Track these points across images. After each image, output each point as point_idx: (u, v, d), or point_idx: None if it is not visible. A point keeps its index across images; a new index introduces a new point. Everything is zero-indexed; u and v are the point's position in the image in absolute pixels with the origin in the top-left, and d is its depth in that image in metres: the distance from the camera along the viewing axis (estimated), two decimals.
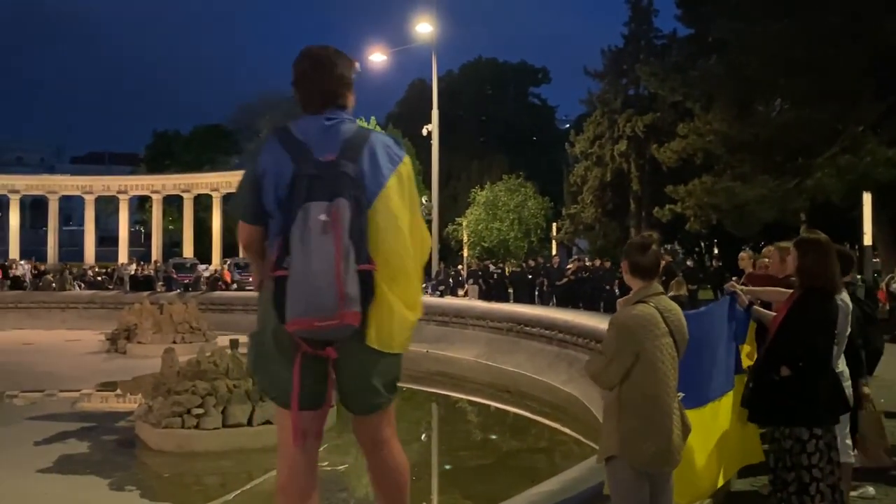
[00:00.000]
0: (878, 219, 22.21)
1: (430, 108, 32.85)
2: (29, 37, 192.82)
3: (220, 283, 30.89)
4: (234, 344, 12.52)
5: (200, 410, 10.97)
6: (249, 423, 11.10)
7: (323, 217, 2.44)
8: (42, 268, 35.63)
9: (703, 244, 38.64)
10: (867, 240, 21.44)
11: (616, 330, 3.56)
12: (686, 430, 3.51)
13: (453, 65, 56.44)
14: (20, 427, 12.31)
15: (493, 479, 10.62)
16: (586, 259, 25.62)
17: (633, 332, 3.47)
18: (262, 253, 2.67)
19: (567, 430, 13.08)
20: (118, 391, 16.31)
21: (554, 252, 36.77)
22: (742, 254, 10.71)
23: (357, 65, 2.88)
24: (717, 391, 4.46)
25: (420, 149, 38.88)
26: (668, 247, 32.27)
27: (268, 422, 11.28)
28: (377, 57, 35.70)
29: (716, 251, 35.59)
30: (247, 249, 2.76)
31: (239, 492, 8.92)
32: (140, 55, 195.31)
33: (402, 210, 2.62)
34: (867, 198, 21.27)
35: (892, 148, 21.27)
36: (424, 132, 32.65)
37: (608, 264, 22.09)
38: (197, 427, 10.87)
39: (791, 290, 4.67)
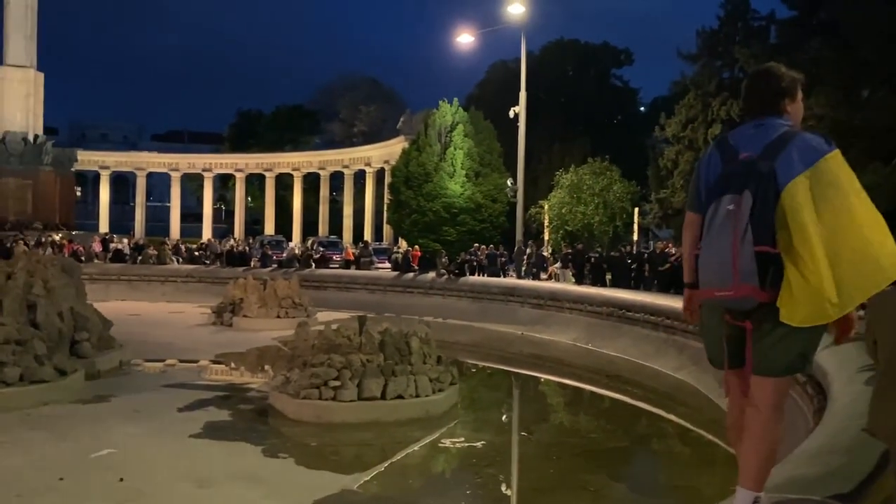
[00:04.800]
0: None
1: (511, 90, 32.68)
2: (110, 13, 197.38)
3: (311, 260, 31.46)
4: (362, 320, 12.79)
5: (337, 383, 11.27)
6: (383, 396, 11.39)
7: (731, 206, 2.91)
8: (140, 242, 36.87)
9: None
10: None
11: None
12: None
13: (534, 46, 55.60)
14: (158, 394, 12.85)
15: (632, 462, 10.69)
16: (671, 245, 25.14)
17: (870, 312, 3.71)
18: (694, 238, 3.18)
19: (672, 418, 12.97)
20: (238, 362, 16.81)
21: (635, 237, 36.30)
22: None
23: (802, 77, 3.26)
24: None
25: (501, 131, 38.73)
26: None
27: (400, 396, 11.57)
28: (465, 38, 35.63)
29: None
30: (684, 231, 3.30)
31: (388, 463, 9.18)
32: (221, 35, 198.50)
33: (810, 200, 2.88)
34: None
35: None
36: (511, 114, 32.42)
37: None
38: (334, 399, 11.19)
39: None
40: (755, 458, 3.11)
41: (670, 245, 23.40)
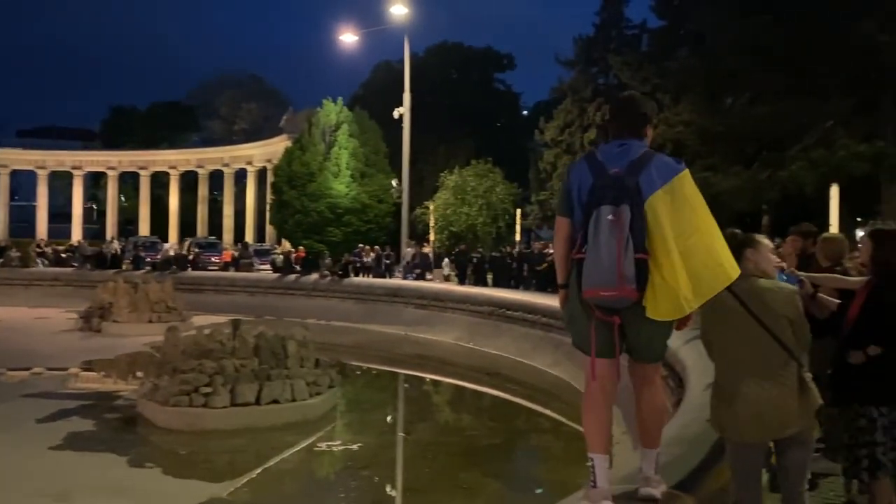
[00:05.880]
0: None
1: (396, 91, 32.63)
2: None
3: (187, 262, 30.48)
4: (235, 324, 12.48)
5: (209, 389, 10.95)
6: (257, 401, 11.15)
7: (610, 217, 3.25)
8: (2, 244, 34.63)
9: None
10: (832, 230, 22.22)
11: None
12: (807, 403, 3.74)
13: (418, 47, 55.77)
14: (16, 404, 12.15)
15: (507, 458, 10.90)
16: (550, 246, 25.90)
17: (703, 315, 3.94)
18: (566, 240, 3.51)
19: (548, 413, 13.31)
20: (106, 370, 16.06)
21: (518, 238, 37.04)
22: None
23: (655, 106, 3.76)
24: None
25: (387, 131, 38.68)
26: None
27: (275, 401, 11.34)
28: (349, 37, 35.41)
29: None
30: (556, 234, 3.61)
31: (261, 469, 9.00)
32: (93, 27, 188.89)
33: (667, 213, 3.32)
34: (835, 190, 22.07)
35: (864, 143, 22.03)
36: (396, 115, 32.42)
37: None
38: (205, 406, 10.86)
39: (843, 277, 5.13)
40: (657, 424, 3.65)
41: (549, 245, 24.06)
